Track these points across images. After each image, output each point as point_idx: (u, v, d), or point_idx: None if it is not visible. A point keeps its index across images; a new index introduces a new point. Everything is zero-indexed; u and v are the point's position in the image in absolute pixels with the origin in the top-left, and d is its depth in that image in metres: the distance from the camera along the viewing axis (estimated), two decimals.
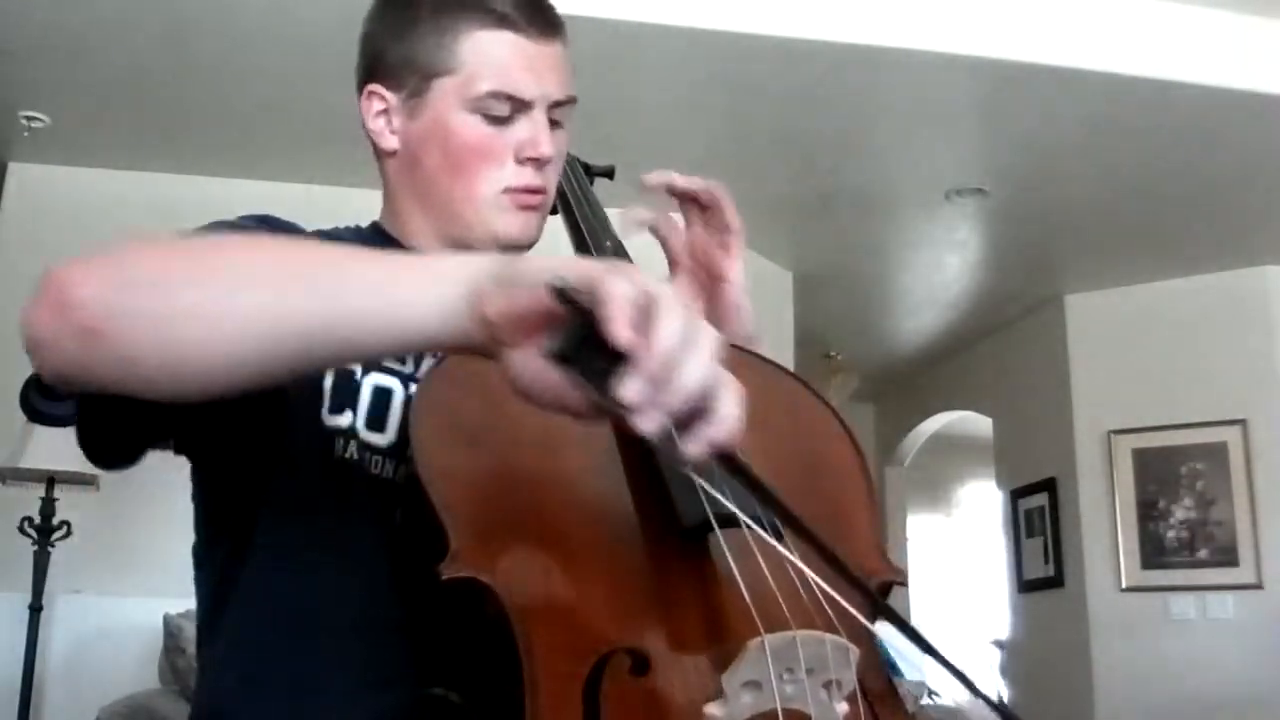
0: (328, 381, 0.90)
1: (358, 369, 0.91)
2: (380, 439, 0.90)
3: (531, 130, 0.96)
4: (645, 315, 0.59)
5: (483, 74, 0.95)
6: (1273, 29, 3.47)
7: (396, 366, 0.93)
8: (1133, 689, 4.76)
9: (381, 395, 0.91)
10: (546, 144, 0.96)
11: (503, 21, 0.95)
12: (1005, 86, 3.47)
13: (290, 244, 0.72)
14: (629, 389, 0.57)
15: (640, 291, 0.60)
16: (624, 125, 3.40)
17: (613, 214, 1.09)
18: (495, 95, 0.95)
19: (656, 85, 3.51)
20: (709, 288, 1.07)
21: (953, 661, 0.64)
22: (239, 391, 0.70)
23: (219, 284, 0.67)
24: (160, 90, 3.53)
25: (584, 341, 0.60)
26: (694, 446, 0.60)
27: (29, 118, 3.67)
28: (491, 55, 0.95)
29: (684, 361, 0.59)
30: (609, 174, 1.17)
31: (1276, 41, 3.46)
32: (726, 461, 0.63)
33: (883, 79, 3.45)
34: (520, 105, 0.96)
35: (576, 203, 1.07)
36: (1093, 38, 3.37)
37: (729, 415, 0.61)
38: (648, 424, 0.58)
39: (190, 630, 3.17)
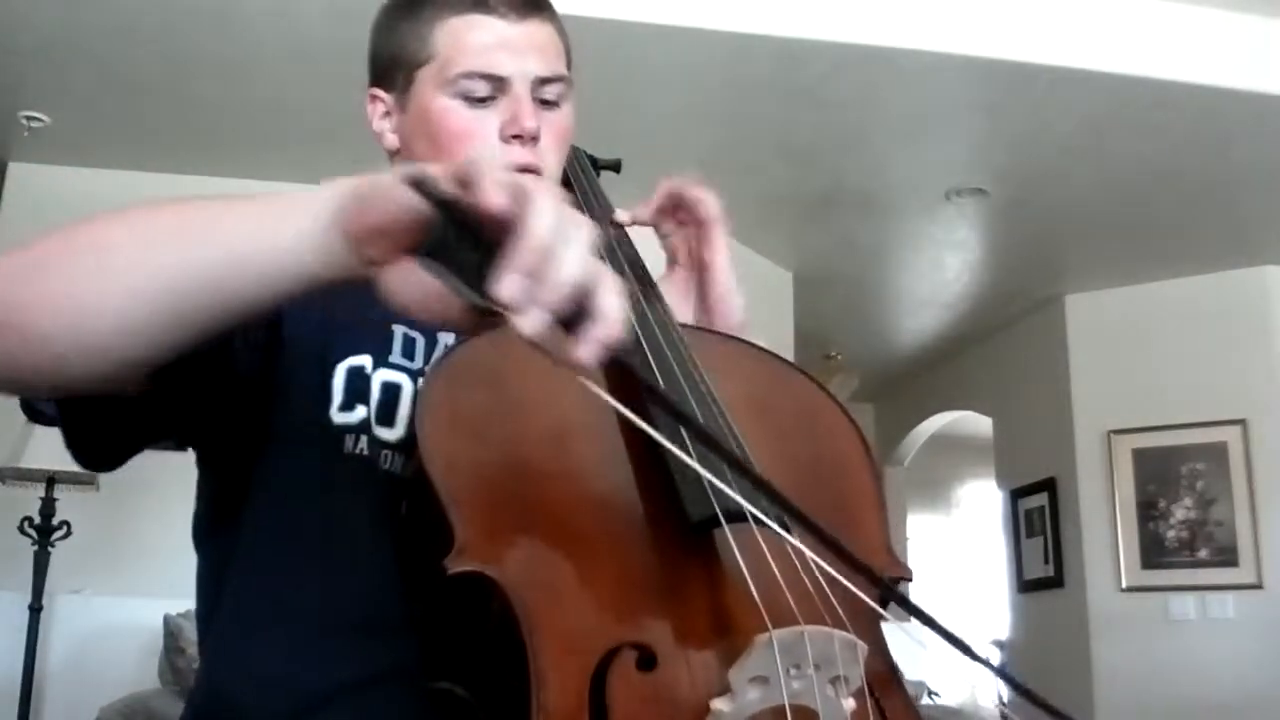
0: (339, 381, 0.90)
1: (367, 364, 0.91)
2: (390, 434, 0.90)
3: (512, 107, 0.94)
4: (516, 202, 0.57)
5: (457, 57, 0.94)
6: (1273, 29, 3.47)
7: (404, 362, 0.93)
8: (1133, 689, 4.75)
9: (390, 391, 0.91)
10: (528, 117, 0.94)
11: (475, 5, 0.95)
12: (1005, 86, 3.47)
13: (170, 205, 0.71)
14: (505, 284, 0.55)
15: (510, 179, 0.58)
16: (624, 125, 3.40)
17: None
18: (469, 75, 0.94)
19: (657, 85, 3.51)
20: (699, 281, 1.05)
21: (967, 643, 0.63)
22: (155, 359, 0.69)
23: (93, 254, 0.69)
24: (160, 90, 3.53)
25: (455, 235, 0.57)
26: (584, 350, 0.57)
27: (29, 118, 3.67)
28: (464, 38, 0.95)
29: (560, 252, 0.56)
30: (615, 167, 1.16)
31: (1276, 41, 3.47)
32: (622, 370, 0.59)
33: (883, 79, 3.45)
34: (498, 84, 0.95)
35: (583, 194, 1.06)
36: (1093, 38, 3.37)
37: (612, 311, 0.58)
38: (529, 324, 0.56)
39: (190, 630, 3.17)
